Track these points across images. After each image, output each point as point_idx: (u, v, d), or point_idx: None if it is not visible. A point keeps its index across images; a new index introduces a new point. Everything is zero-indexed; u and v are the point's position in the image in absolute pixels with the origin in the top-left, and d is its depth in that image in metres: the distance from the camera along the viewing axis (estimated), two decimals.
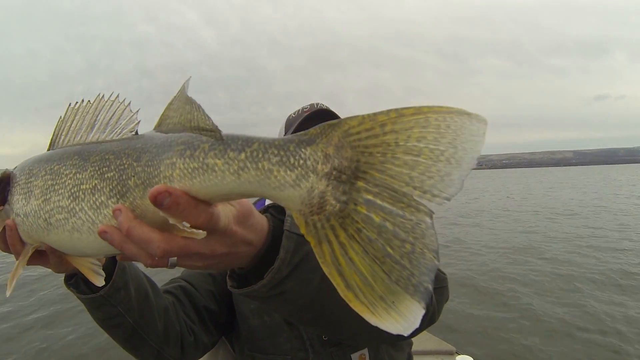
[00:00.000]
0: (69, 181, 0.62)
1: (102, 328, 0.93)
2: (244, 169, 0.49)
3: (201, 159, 0.51)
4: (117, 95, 0.68)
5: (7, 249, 0.71)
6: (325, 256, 0.48)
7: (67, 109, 0.69)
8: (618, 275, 6.77)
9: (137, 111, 0.67)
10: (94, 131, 0.67)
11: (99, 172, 0.59)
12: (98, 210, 0.59)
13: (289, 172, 0.48)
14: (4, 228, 0.68)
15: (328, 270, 0.48)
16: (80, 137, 0.68)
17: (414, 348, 1.63)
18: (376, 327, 0.47)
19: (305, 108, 1.33)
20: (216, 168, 0.51)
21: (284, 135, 1.24)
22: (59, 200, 0.62)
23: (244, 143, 0.50)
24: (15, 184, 0.69)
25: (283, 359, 1.10)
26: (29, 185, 0.66)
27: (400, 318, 0.46)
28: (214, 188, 0.51)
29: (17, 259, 0.70)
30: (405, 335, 0.46)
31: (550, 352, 4.31)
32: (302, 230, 0.49)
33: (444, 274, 1.06)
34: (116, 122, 0.66)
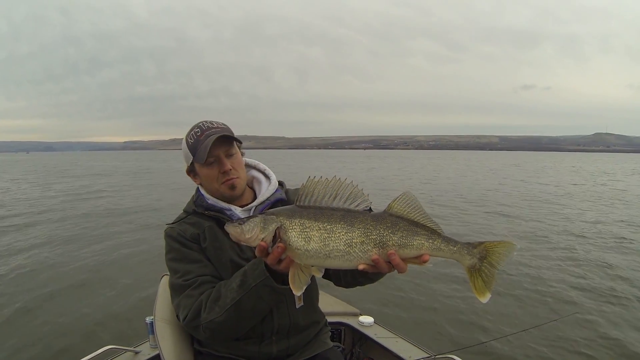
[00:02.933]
0: (343, 237, 1.15)
1: (266, 310, 1.45)
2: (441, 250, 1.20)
3: (437, 244, 1.18)
4: (352, 181, 1.21)
5: (276, 262, 1.22)
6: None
7: (309, 180, 1.21)
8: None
9: (368, 195, 1.21)
10: (335, 200, 1.19)
11: (365, 234, 1.15)
12: (366, 253, 1.16)
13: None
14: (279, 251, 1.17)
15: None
16: (323, 202, 1.19)
17: (324, 311, 1.83)
18: None
19: (198, 133, 1.55)
20: (442, 247, 1.19)
21: (194, 158, 1.56)
22: (337, 245, 1.14)
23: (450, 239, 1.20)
24: (291, 229, 1.16)
25: None
26: (305, 233, 1.15)
27: None
28: (437, 255, 1.19)
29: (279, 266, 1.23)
30: None
31: (444, 311, 4.98)
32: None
33: None
34: (353, 199, 1.19)
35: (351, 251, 1.15)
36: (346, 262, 1.16)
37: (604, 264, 7.01)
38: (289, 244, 1.15)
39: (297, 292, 1.17)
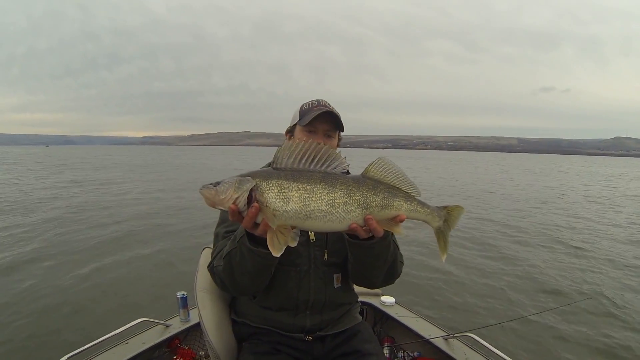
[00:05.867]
0: (325, 197, 1.13)
1: (256, 270, 1.36)
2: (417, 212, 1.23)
3: (414, 205, 1.22)
4: (329, 145, 1.25)
5: (251, 225, 1.15)
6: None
7: (285, 143, 1.18)
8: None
9: (345, 158, 1.19)
10: (313, 163, 1.16)
11: (348, 195, 1.15)
12: (349, 213, 1.15)
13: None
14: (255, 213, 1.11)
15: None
16: (300, 165, 1.15)
17: None
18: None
19: (314, 104, 1.65)
20: (419, 209, 1.23)
21: (298, 120, 1.64)
22: (318, 206, 1.12)
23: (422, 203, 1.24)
24: (267, 191, 1.11)
25: (294, 269, 1.57)
26: (284, 194, 1.11)
27: None
28: (413, 217, 1.23)
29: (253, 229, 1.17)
30: None
31: (461, 293, 5.08)
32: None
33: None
34: (330, 162, 1.16)
35: (334, 211, 1.14)
36: (327, 223, 1.14)
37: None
38: (266, 206, 1.11)
39: (277, 254, 1.12)
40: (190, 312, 2.43)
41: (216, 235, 1.59)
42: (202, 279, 1.73)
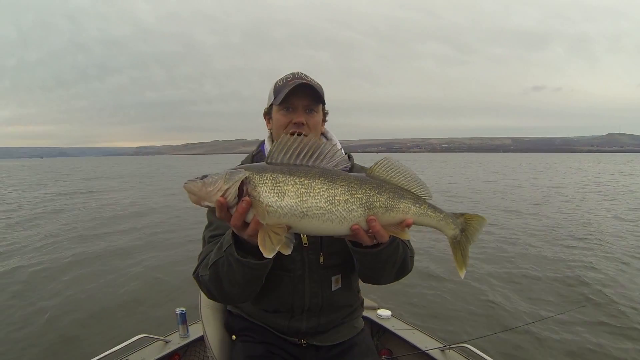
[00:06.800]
0: (324, 193, 1.02)
1: (245, 281, 1.24)
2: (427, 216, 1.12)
3: (424, 209, 1.11)
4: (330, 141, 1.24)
5: (240, 223, 1.02)
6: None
7: (282, 137, 1.06)
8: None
9: (348, 155, 1.16)
10: (312, 159, 1.05)
11: (349, 192, 1.04)
12: (350, 213, 1.04)
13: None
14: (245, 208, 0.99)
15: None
16: (298, 160, 1.05)
17: None
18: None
19: (289, 77, 1.49)
20: (429, 213, 1.12)
21: (274, 99, 1.49)
22: (316, 202, 1.01)
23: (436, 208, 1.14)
24: (261, 184, 1.00)
25: (287, 275, 1.47)
26: (279, 188, 1.00)
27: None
28: (422, 222, 1.12)
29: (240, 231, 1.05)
30: None
31: (456, 303, 5.12)
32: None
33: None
34: (331, 159, 1.06)
35: (333, 210, 1.02)
36: (326, 222, 1.02)
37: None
38: (259, 200, 0.99)
39: (268, 254, 0.99)
40: (190, 327, 2.45)
41: (203, 238, 1.48)
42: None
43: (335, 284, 1.53)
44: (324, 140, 1.62)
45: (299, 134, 1.38)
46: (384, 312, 2.65)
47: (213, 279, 1.27)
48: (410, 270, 1.49)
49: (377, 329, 2.60)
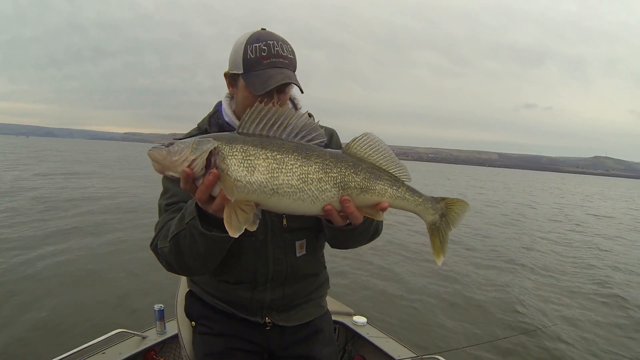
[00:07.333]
0: (296, 170, 0.95)
1: (208, 253, 1.17)
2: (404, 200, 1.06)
3: (401, 192, 1.05)
4: (307, 112, 1.10)
5: (205, 197, 0.96)
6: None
7: (256, 106, 0.98)
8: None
9: (324, 129, 1.07)
10: (286, 131, 0.98)
11: (323, 170, 0.98)
12: (323, 193, 0.98)
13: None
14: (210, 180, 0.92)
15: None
16: (271, 132, 0.98)
17: None
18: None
19: (263, 52, 1.30)
20: (407, 196, 1.05)
21: (242, 73, 1.32)
22: (288, 180, 0.94)
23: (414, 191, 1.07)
24: (230, 156, 0.94)
25: (248, 240, 1.37)
26: (249, 161, 0.94)
27: None
28: (398, 205, 1.06)
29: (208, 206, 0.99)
30: None
31: (432, 313, 5.21)
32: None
33: None
34: (307, 133, 1.00)
35: (305, 188, 0.96)
36: (297, 202, 0.97)
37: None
38: (227, 174, 0.93)
39: (235, 234, 0.94)
40: (167, 324, 2.48)
41: (159, 206, 1.39)
42: (184, 293, 1.79)
43: (300, 249, 1.47)
44: (290, 106, 1.52)
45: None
46: (360, 319, 2.70)
47: (174, 251, 1.20)
48: (380, 234, 1.45)
49: (352, 335, 2.65)
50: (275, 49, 1.32)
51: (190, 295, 1.61)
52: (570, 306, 5.91)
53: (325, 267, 1.69)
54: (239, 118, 1.38)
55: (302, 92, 1.42)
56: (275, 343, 1.52)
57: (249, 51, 1.32)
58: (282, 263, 1.44)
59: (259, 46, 1.31)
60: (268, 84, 1.28)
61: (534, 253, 9.27)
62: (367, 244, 1.45)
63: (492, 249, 9.28)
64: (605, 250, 10.28)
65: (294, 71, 1.38)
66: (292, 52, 1.37)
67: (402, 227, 10.77)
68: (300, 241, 1.47)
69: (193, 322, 1.59)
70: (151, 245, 1.31)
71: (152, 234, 1.33)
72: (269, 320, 1.48)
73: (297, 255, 1.46)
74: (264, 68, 1.30)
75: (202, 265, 1.26)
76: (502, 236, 11.22)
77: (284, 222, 1.42)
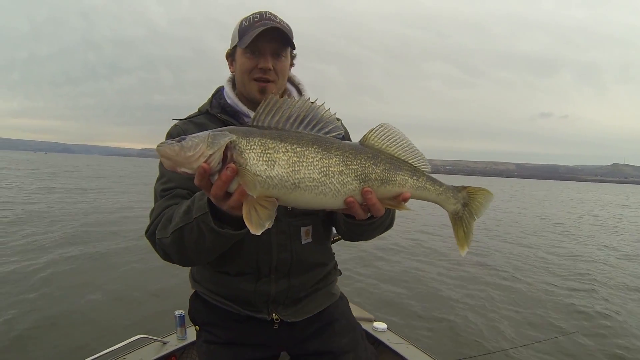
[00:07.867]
0: (317, 162, 0.92)
1: (214, 248, 1.14)
2: (425, 190, 1.05)
3: (422, 182, 1.03)
4: (324, 103, 0.98)
5: (222, 193, 0.92)
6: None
7: (271, 97, 0.95)
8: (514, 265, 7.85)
9: (341, 122, 1.04)
10: (303, 124, 0.95)
11: (344, 163, 0.95)
12: (344, 186, 0.95)
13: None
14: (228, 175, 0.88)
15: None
16: (287, 125, 0.95)
17: None
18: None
19: (256, 18, 1.33)
20: (427, 186, 1.04)
21: (238, 41, 1.34)
22: (309, 173, 0.91)
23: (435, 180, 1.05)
24: (248, 150, 0.90)
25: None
26: (268, 155, 0.90)
27: None
28: (420, 196, 1.04)
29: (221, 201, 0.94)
30: None
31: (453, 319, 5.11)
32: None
33: None
34: (324, 125, 0.97)
35: (327, 182, 0.93)
36: (318, 195, 0.93)
37: None
38: (246, 168, 0.89)
39: (257, 231, 0.89)
40: (187, 330, 2.48)
41: (155, 191, 1.34)
42: None
43: (305, 236, 1.39)
44: (291, 88, 1.53)
45: (266, 81, 1.33)
46: (380, 325, 2.67)
47: (176, 244, 1.15)
48: (393, 226, 1.41)
49: (372, 342, 2.62)
50: (268, 14, 1.35)
51: (194, 298, 1.54)
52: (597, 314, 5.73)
53: (334, 258, 1.61)
54: (241, 99, 1.41)
55: (294, 48, 1.40)
56: (287, 342, 1.44)
57: (243, 22, 1.36)
58: (287, 250, 1.36)
59: (252, 15, 1.35)
60: (254, 34, 1.28)
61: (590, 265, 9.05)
62: (382, 240, 1.42)
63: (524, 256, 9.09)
64: None
65: (290, 37, 1.36)
66: (288, 25, 1.38)
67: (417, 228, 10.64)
68: (306, 227, 1.40)
69: (197, 327, 1.53)
70: (147, 232, 1.25)
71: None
72: (276, 317, 1.39)
73: (303, 242, 1.39)
74: (256, 27, 1.31)
75: (204, 259, 1.24)
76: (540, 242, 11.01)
77: (288, 207, 1.32)
